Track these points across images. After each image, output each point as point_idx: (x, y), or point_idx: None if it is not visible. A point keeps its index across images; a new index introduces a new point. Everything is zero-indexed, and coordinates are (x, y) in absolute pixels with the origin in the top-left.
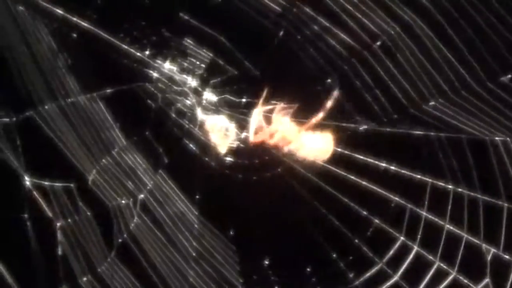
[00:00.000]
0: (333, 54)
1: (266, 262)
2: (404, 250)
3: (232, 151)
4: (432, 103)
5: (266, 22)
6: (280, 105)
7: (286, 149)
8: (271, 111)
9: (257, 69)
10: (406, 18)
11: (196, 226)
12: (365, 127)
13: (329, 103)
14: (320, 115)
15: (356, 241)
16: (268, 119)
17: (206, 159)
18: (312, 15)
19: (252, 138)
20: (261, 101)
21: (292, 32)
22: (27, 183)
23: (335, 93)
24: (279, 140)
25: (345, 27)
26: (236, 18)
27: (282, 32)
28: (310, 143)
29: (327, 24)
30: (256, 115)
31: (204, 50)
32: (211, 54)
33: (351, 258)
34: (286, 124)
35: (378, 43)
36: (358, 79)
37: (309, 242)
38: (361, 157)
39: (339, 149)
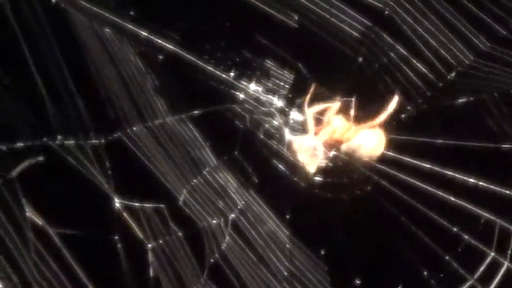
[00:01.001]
0: (408, 85)
1: (358, 282)
2: (495, 266)
3: (321, 170)
4: None
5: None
6: (334, 103)
7: (344, 146)
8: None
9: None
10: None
11: (287, 245)
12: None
13: (391, 106)
14: (382, 116)
15: (447, 257)
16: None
17: (296, 178)
18: (391, 42)
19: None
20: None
21: (370, 59)
22: (117, 204)
23: (396, 97)
24: (336, 138)
25: (420, 56)
26: (314, 43)
27: (361, 59)
28: (365, 141)
29: (404, 52)
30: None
31: (286, 71)
32: (293, 75)
33: (442, 275)
34: (340, 122)
35: (453, 74)
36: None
37: (400, 260)
38: (450, 172)
39: (427, 165)
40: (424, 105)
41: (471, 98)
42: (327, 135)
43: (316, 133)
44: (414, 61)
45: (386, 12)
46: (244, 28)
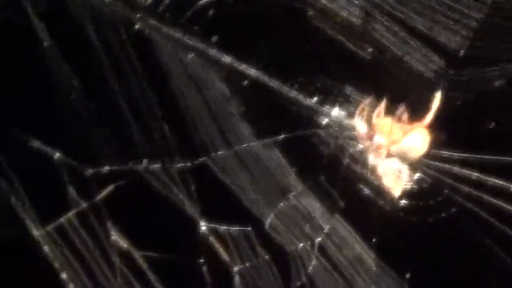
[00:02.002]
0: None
1: None
2: None
3: (406, 193)
4: None
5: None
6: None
7: (393, 148)
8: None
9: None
10: None
11: (373, 269)
12: None
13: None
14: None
15: None
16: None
17: (381, 202)
18: None
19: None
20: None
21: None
22: (203, 228)
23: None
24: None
25: None
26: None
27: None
28: (411, 142)
29: None
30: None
31: (366, 96)
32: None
33: None
34: (388, 124)
35: None
36: None
37: (486, 284)
38: None
39: None
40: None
41: None
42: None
43: (369, 138)
44: None
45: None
46: (322, 55)
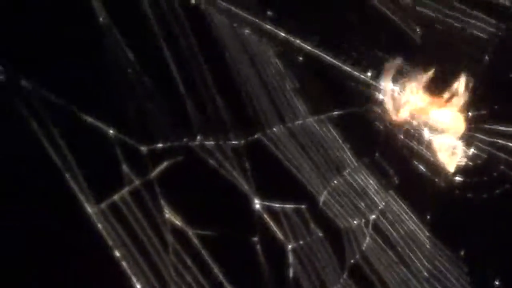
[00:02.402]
0: None
1: (497, 283)
2: None
3: (461, 169)
4: None
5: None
6: (415, 75)
7: (416, 122)
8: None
9: None
10: None
11: (427, 246)
12: None
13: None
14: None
15: None
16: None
17: (436, 179)
18: None
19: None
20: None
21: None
22: (257, 205)
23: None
24: (411, 112)
25: None
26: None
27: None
28: (442, 119)
29: None
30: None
31: (419, 68)
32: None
33: None
34: (419, 96)
35: None
36: None
37: None
38: None
39: None
40: None
41: None
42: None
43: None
44: None
45: None
46: (374, 30)
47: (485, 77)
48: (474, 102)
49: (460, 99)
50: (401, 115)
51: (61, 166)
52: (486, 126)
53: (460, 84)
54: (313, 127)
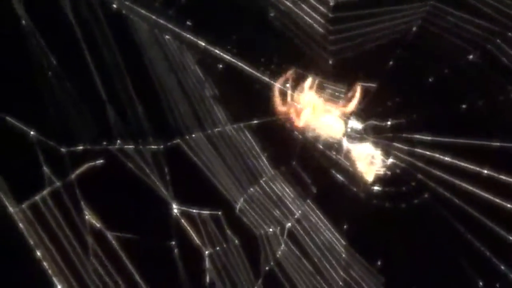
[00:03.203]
0: (474, 36)
1: None
2: None
3: (379, 179)
4: None
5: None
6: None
7: (302, 122)
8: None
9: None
10: None
11: (343, 255)
12: None
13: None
14: (352, 104)
15: (503, 267)
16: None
17: (354, 189)
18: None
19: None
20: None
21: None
22: (175, 210)
23: (359, 88)
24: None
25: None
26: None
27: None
28: (326, 122)
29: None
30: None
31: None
32: (346, 85)
33: (497, 285)
34: (311, 98)
35: None
36: (504, 55)
37: (456, 270)
38: (505, 177)
39: (485, 171)
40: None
41: None
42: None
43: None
44: None
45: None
46: (294, 44)
47: (400, 86)
48: (393, 111)
49: (351, 106)
50: (301, 121)
51: None
52: (404, 134)
53: (353, 93)
54: (231, 134)
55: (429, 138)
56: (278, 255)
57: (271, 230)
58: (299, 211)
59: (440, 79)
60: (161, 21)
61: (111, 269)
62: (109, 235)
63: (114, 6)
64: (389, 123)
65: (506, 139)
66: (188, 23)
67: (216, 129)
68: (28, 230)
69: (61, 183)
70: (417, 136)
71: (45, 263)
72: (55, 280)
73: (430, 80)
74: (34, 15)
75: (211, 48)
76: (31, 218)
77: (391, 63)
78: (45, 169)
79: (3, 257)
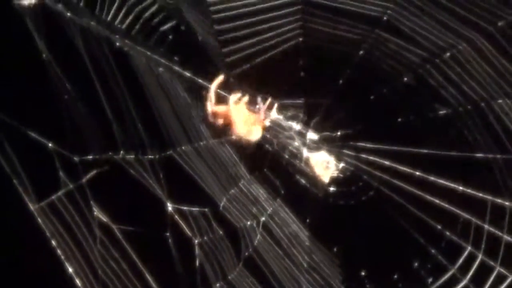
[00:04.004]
0: (408, 61)
1: (363, 273)
2: (471, 258)
3: (334, 181)
4: (499, 101)
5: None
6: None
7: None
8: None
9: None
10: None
11: (307, 243)
12: (444, 112)
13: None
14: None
15: (433, 251)
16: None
17: (314, 190)
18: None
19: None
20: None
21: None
22: (170, 208)
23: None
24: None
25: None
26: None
27: (362, 52)
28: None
29: (402, 43)
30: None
31: (296, 99)
32: (303, 99)
33: (429, 266)
34: (238, 109)
35: (448, 54)
36: (432, 79)
37: (396, 254)
38: (433, 178)
39: (417, 172)
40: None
41: (450, 111)
42: (221, 112)
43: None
44: None
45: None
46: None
47: (348, 102)
48: (341, 124)
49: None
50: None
51: (10, 173)
52: (352, 143)
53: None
54: (214, 147)
55: (371, 145)
56: (255, 243)
57: (249, 223)
58: (271, 208)
59: (380, 96)
60: (155, 56)
61: (116, 255)
62: (115, 227)
63: (117, 44)
64: (339, 133)
65: (433, 147)
66: (176, 58)
67: (202, 143)
68: (46, 224)
69: (74, 186)
70: (361, 144)
71: (59, 250)
72: (67, 264)
73: (371, 97)
74: (53, 50)
75: (195, 78)
76: (48, 214)
77: (340, 81)
78: (61, 174)
79: (24, 246)
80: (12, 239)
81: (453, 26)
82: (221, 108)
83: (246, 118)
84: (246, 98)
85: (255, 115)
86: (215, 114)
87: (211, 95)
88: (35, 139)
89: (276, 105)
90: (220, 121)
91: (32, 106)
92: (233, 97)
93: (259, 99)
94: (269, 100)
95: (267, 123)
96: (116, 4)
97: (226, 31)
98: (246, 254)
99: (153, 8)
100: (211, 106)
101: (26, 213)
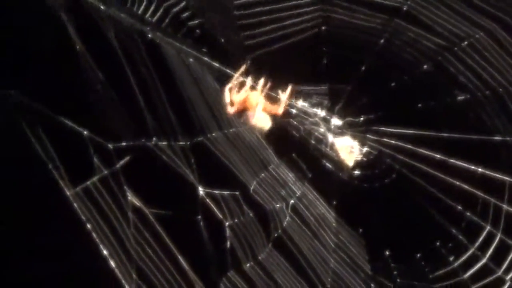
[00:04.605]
0: (427, 49)
1: (387, 253)
2: (490, 237)
3: (358, 164)
4: None
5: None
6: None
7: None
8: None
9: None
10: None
11: (334, 224)
12: (463, 97)
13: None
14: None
15: (454, 231)
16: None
17: (340, 173)
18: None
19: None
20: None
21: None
22: (201, 192)
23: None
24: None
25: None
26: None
27: (382, 40)
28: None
29: (421, 32)
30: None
31: (320, 86)
32: (326, 86)
33: (450, 245)
34: (253, 95)
35: (466, 42)
36: (451, 66)
37: (419, 234)
38: (453, 160)
39: (437, 155)
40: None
41: (468, 96)
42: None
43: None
44: None
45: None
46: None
47: (369, 89)
48: (364, 109)
49: (281, 105)
50: (234, 108)
51: (46, 159)
52: (374, 127)
53: (284, 94)
54: (244, 133)
55: (393, 130)
56: (284, 225)
57: (278, 205)
58: (299, 191)
59: (401, 83)
60: (184, 47)
61: (149, 238)
62: (147, 211)
63: (149, 35)
64: (362, 118)
65: (453, 131)
66: (204, 49)
67: (232, 129)
68: (81, 208)
69: (108, 172)
70: (383, 128)
71: (94, 234)
72: (102, 247)
73: (392, 84)
74: (87, 42)
75: (223, 68)
76: (84, 199)
77: (363, 68)
78: (96, 160)
79: (61, 230)
80: (49, 223)
81: (471, 16)
82: (238, 96)
83: (262, 106)
84: (261, 84)
85: (271, 104)
86: (232, 103)
87: (231, 85)
88: (71, 127)
89: (294, 92)
90: (234, 110)
91: (67, 96)
92: (249, 83)
93: (279, 91)
94: (290, 88)
95: (289, 110)
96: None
97: (247, 16)
98: (276, 235)
99: (181, 5)
100: (229, 96)
101: (62, 198)
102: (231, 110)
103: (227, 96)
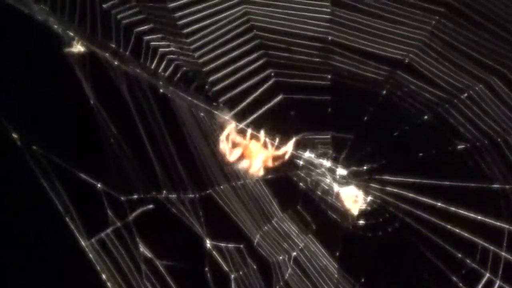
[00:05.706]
0: (428, 101)
1: None
2: (490, 284)
3: (362, 213)
4: None
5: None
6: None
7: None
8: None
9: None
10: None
11: (335, 275)
12: (463, 146)
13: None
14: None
15: (454, 278)
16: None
17: (345, 225)
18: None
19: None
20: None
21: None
22: (208, 244)
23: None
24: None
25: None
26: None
27: (385, 91)
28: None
29: (422, 84)
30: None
31: (324, 135)
32: (330, 136)
33: None
34: (252, 145)
35: (465, 94)
36: (451, 117)
37: (421, 283)
38: (459, 210)
39: (439, 203)
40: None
41: (468, 145)
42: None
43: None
44: None
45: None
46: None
47: (372, 138)
48: (367, 158)
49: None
50: (232, 156)
51: (62, 211)
52: (377, 176)
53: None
54: (250, 186)
55: (395, 178)
56: (286, 277)
57: (281, 258)
58: (302, 243)
59: (403, 133)
60: (194, 101)
61: None
62: (158, 263)
63: (161, 90)
64: (365, 167)
65: (453, 179)
66: (214, 103)
67: (239, 182)
68: (96, 259)
69: (121, 223)
70: (386, 177)
71: (109, 284)
72: None
73: (395, 134)
74: (100, 97)
75: (237, 123)
76: (98, 250)
77: (365, 118)
78: (109, 212)
79: (77, 279)
80: (66, 272)
81: (470, 69)
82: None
83: (258, 155)
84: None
85: (267, 152)
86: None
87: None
88: (85, 180)
89: (293, 141)
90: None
91: (81, 149)
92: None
93: (262, 133)
94: (294, 140)
95: (295, 162)
96: (158, 55)
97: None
98: (278, 287)
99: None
100: (226, 144)
101: (78, 248)
102: (230, 158)
103: (225, 145)
